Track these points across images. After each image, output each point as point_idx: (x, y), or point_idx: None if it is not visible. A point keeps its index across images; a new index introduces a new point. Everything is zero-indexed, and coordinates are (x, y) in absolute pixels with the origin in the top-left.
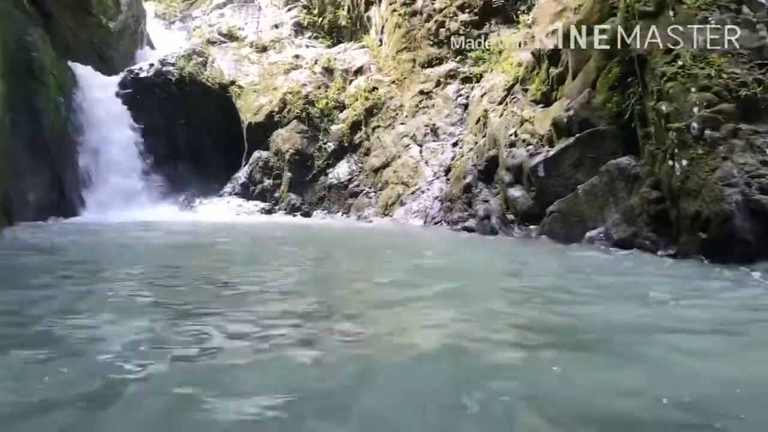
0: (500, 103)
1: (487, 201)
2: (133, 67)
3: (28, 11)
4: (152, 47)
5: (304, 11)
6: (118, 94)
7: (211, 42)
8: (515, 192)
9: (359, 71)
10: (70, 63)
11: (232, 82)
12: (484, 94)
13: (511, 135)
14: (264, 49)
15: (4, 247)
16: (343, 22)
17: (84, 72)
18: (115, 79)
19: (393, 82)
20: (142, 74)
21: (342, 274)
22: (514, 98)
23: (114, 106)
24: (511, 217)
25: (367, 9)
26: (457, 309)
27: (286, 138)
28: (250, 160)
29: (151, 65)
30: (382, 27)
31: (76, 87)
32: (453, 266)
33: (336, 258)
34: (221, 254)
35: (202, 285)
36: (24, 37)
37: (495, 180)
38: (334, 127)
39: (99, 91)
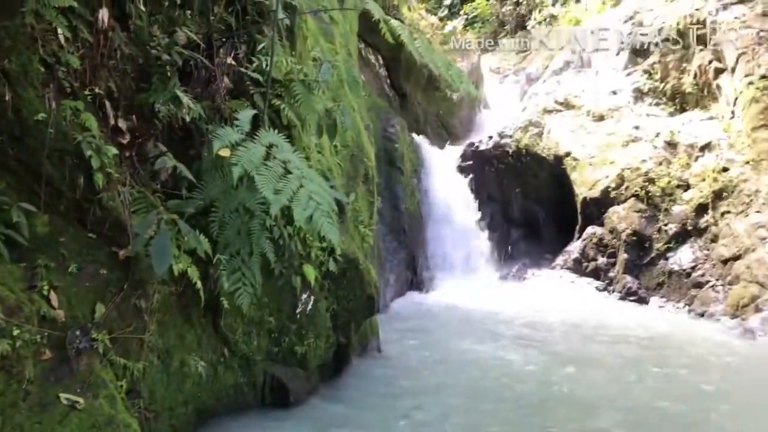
0: None
1: None
2: (473, 140)
3: (388, 94)
4: (487, 107)
5: (645, 76)
6: (458, 167)
7: (547, 111)
8: None
9: (706, 147)
10: (417, 139)
11: (567, 154)
12: None
13: None
14: (601, 118)
15: None
16: (689, 89)
17: (429, 148)
18: (456, 151)
19: (747, 162)
20: (482, 147)
21: None
22: None
23: (455, 178)
24: None
25: (716, 77)
26: None
27: (622, 216)
28: (584, 236)
29: (490, 137)
30: (735, 99)
31: (423, 164)
32: None
33: None
34: None
35: None
36: (388, 129)
37: None
38: (676, 208)
39: (442, 165)
